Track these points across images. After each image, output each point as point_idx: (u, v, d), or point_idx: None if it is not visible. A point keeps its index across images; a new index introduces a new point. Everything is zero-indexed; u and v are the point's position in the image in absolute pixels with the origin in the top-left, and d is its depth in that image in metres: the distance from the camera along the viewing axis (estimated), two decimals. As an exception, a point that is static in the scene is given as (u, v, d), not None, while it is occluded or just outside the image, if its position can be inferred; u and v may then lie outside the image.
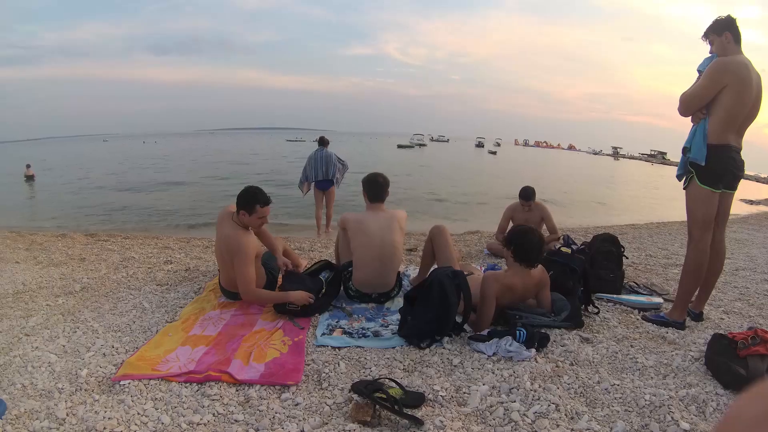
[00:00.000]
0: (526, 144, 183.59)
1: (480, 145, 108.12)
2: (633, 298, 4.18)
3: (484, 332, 3.09)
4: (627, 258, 4.96)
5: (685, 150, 3.25)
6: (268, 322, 3.43)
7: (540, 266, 3.43)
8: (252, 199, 3.56)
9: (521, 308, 3.44)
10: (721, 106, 3.05)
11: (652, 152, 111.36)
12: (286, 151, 53.98)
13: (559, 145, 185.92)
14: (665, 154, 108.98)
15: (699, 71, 3.24)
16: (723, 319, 3.88)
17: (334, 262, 4.55)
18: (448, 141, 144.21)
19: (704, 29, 3.25)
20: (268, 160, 37.16)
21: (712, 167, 3.13)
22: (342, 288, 3.93)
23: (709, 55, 3.23)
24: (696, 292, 3.65)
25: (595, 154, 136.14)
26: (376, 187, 3.88)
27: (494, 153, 73.54)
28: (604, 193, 25.57)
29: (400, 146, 76.60)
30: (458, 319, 3.20)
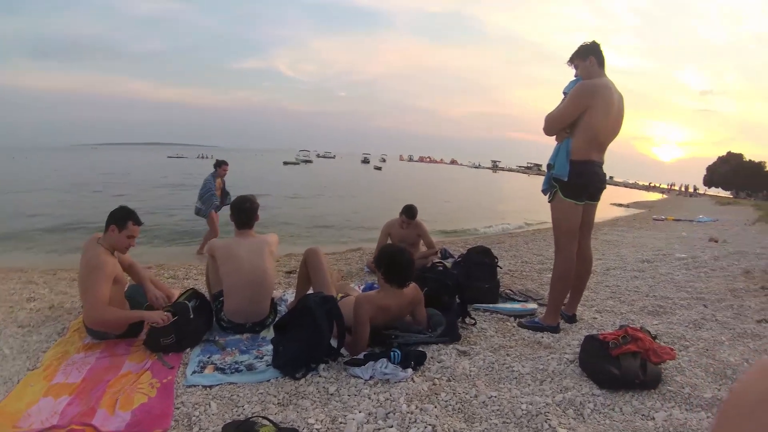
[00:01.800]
0: (411, 159, 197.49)
1: (366, 161, 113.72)
2: (509, 306, 4.46)
3: (360, 356, 3.14)
4: (501, 268, 5.29)
5: (549, 167, 3.68)
6: (135, 363, 3.30)
7: (413, 284, 3.57)
8: (126, 215, 3.62)
9: (398, 327, 3.56)
10: (585, 126, 3.48)
11: (529, 164, 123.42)
12: (166, 169, 50.75)
13: (442, 159, 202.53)
14: (540, 165, 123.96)
15: (564, 93, 3.66)
16: (596, 318, 4.27)
17: (205, 291, 4.38)
18: (334, 157, 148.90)
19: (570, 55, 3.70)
20: (140, 184, 34.51)
21: (575, 182, 3.55)
22: (215, 319, 3.89)
23: (574, 78, 3.70)
24: (568, 296, 4.04)
25: (476, 167, 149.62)
26: (243, 213, 3.95)
27: (379, 168, 76.87)
28: (483, 203, 27.21)
29: (285, 163, 78.52)
30: (334, 344, 3.21)
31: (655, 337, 3.44)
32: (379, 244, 6.03)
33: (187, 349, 3.47)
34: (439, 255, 5.91)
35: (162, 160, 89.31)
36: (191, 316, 3.58)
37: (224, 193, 8.57)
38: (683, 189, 76.24)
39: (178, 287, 5.05)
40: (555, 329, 3.76)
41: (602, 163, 3.69)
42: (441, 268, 4.46)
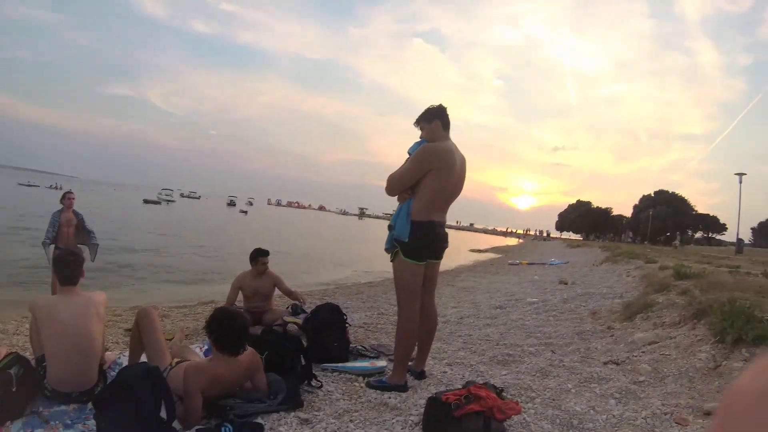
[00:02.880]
0: (278, 204, 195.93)
1: (232, 203, 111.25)
2: (358, 364, 4.42)
3: (193, 430, 3.02)
4: (350, 325, 5.24)
5: (390, 228, 3.81)
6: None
7: (250, 349, 3.49)
8: None
9: (237, 395, 3.48)
10: (426, 188, 3.66)
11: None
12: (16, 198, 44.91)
13: (310, 205, 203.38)
14: None
15: (409, 153, 3.85)
16: (446, 372, 4.27)
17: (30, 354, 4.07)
18: (199, 198, 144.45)
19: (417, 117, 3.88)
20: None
21: (415, 243, 3.70)
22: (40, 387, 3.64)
23: (419, 139, 3.87)
24: (415, 352, 4.12)
25: (343, 214, 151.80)
26: (67, 268, 3.71)
27: (245, 212, 74.76)
28: (345, 250, 27.26)
29: (146, 201, 74.09)
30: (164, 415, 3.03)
31: (501, 391, 3.46)
32: (229, 298, 5.81)
33: (8, 423, 3.22)
34: (289, 310, 5.85)
35: (11, 186, 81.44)
36: (14, 389, 3.32)
37: (82, 230, 7.33)
38: (538, 233, 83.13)
39: (5, 344, 4.71)
40: (402, 388, 3.75)
41: (444, 223, 3.89)
42: (280, 331, 4.42)
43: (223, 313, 3.46)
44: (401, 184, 3.76)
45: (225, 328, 3.30)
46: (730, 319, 4.11)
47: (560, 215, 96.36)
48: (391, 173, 3.83)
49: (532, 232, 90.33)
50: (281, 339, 4.13)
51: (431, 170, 3.65)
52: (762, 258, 18.94)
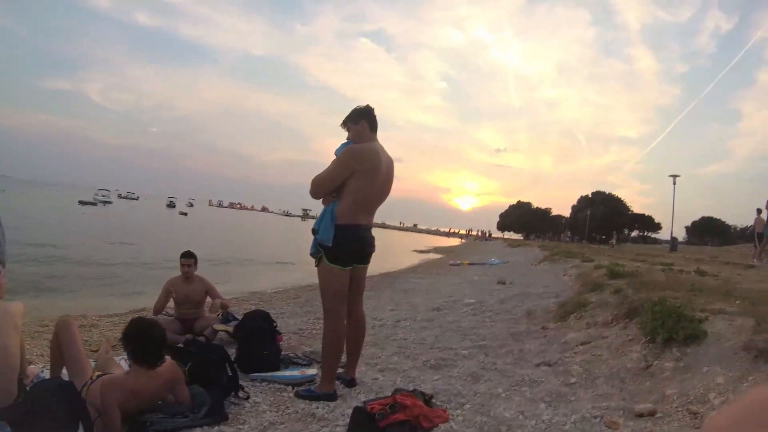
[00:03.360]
0: (220, 205, 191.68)
1: (171, 205, 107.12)
2: (287, 374, 4.31)
3: None
4: (281, 333, 5.17)
5: (314, 231, 3.75)
6: None
7: (169, 361, 3.42)
8: None
9: (159, 409, 3.36)
10: (351, 190, 3.62)
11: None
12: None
13: (252, 206, 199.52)
14: None
15: (336, 155, 3.78)
16: (377, 379, 4.19)
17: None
18: (137, 199, 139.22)
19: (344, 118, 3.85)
20: None
21: (340, 247, 3.64)
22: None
23: (346, 141, 3.81)
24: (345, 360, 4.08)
25: (286, 215, 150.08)
26: None
27: (185, 214, 72.66)
28: (289, 253, 26.79)
29: (82, 202, 71.08)
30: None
31: (430, 398, 3.42)
32: (158, 304, 5.59)
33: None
34: (219, 317, 5.69)
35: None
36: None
37: None
38: (480, 234, 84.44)
39: None
40: (332, 397, 3.70)
41: (370, 226, 3.86)
42: (203, 341, 4.42)
43: (138, 324, 3.37)
44: (326, 186, 3.71)
45: (140, 340, 3.20)
46: (660, 319, 4.15)
47: (502, 215, 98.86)
48: (315, 175, 3.76)
49: (474, 233, 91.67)
50: (204, 349, 4.03)
51: (356, 172, 3.60)
52: (695, 255, 19.73)
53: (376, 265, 19.21)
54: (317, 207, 3.90)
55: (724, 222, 79.04)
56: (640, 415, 3.20)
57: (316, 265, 3.79)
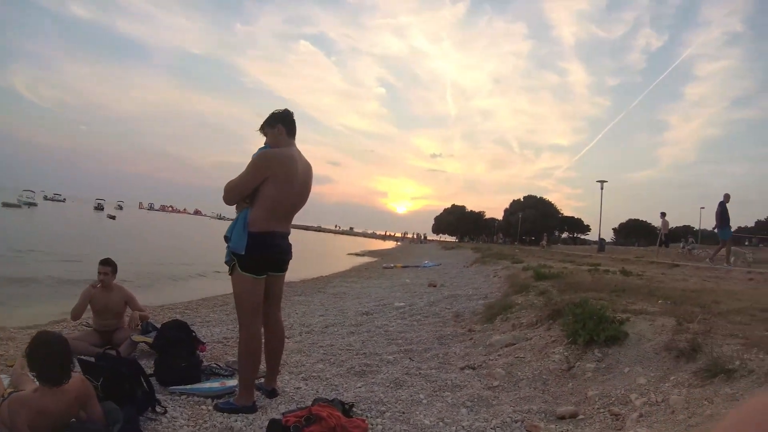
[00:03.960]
0: (151, 208, 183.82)
1: (100, 207, 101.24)
2: (207, 386, 4.16)
3: None
4: (204, 342, 5.06)
5: (227, 239, 3.63)
6: None
7: (78, 377, 3.25)
8: None
9: (72, 427, 3.18)
10: (265, 196, 3.51)
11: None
12: None
13: (185, 209, 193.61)
14: None
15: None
16: (300, 388, 4.06)
17: None
18: (64, 201, 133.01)
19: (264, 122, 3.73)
20: None
21: (253, 255, 3.52)
22: None
23: (264, 146, 3.70)
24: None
25: (220, 218, 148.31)
26: None
27: (113, 217, 69.47)
28: (218, 258, 26.13)
29: (5, 204, 67.65)
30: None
31: (351, 407, 3.36)
32: (74, 311, 5.27)
33: None
34: (139, 328, 5.40)
35: None
36: None
37: None
38: (415, 236, 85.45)
39: None
40: (251, 409, 3.58)
41: (287, 233, 3.75)
42: (115, 354, 4.05)
43: (39, 339, 3.17)
44: (238, 192, 3.60)
45: (42, 355, 3.03)
46: (581, 321, 4.21)
47: (436, 218, 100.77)
48: (228, 180, 3.63)
49: (410, 235, 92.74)
50: (117, 364, 3.82)
51: (269, 178, 3.50)
52: (621, 255, 20.53)
53: (309, 270, 19.07)
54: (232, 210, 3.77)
55: (649, 223, 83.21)
56: (562, 418, 3.21)
57: (230, 274, 3.66)
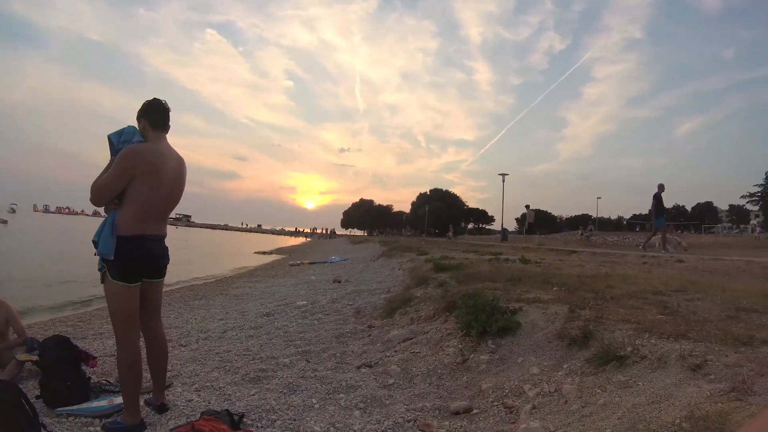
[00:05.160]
0: (47, 210, 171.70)
1: None
2: (94, 405, 3.90)
3: None
4: (95, 357, 4.70)
5: (95, 243, 3.36)
6: None
7: None
8: None
9: None
10: (133, 197, 3.28)
11: (178, 216, 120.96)
12: None
13: (83, 211, 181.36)
14: (190, 217, 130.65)
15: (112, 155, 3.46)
16: (192, 400, 3.85)
17: None
18: None
19: None
20: None
21: (123, 261, 3.28)
22: None
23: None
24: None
25: None
26: None
27: (5, 222, 63.52)
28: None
29: None
30: None
31: (241, 418, 3.26)
32: None
33: None
34: (26, 345, 4.97)
35: None
36: None
37: None
38: (324, 231, 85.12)
39: None
40: (139, 428, 3.38)
41: (162, 235, 3.52)
42: None
43: None
44: (106, 192, 3.31)
45: None
46: (474, 313, 4.26)
47: (345, 213, 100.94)
48: (94, 180, 3.34)
49: (319, 231, 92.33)
50: None
51: (136, 176, 3.25)
52: (522, 244, 21.36)
53: (212, 271, 18.41)
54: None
55: (550, 213, 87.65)
56: (456, 413, 3.20)
57: (101, 282, 3.40)
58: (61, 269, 18.57)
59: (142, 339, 3.51)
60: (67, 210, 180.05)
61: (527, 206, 23.57)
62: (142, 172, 3.28)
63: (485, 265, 8.73)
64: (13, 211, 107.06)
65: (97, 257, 3.34)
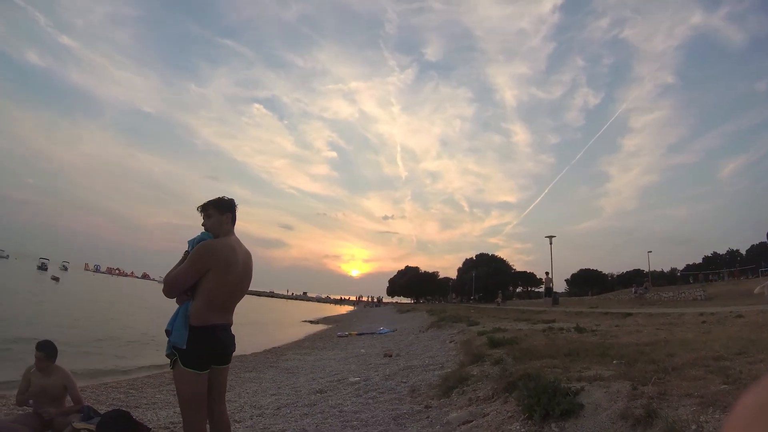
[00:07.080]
0: (97, 270, 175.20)
1: (43, 267, 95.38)
2: None
3: None
4: (150, 429, 4.71)
5: (168, 332, 3.48)
6: None
7: None
8: None
9: None
10: (205, 289, 3.42)
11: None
12: None
13: (132, 272, 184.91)
14: None
15: (189, 245, 3.59)
16: None
17: None
18: (8, 257, 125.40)
19: (204, 202, 3.69)
20: None
21: (195, 350, 3.40)
22: None
23: (202, 232, 3.63)
24: None
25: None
26: None
27: (57, 279, 65.67)
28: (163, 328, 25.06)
29: None
30: None
31: None
32: (20, 390, 5.08)
33: None
34: (81, 413, 5.03)
35: None
36: None
37: None
38: (370, 299, 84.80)
39: None
40: None
41: (228, 324, 3.63)
42: None
43: None
44: (179, 285, 3.47)
45: None
46: (536, 396, 4.15)
47: (391, 281, 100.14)
48: (167, 272, 3.51)
49: (365, 298, 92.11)
50: None
51: (210, 270, 3.41)
52: (576, 308, 20.82)
53: (261, 340, 18.49)
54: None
55: (600, 271, 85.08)
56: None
57: (171, 368, 3.51)
58: (107, 327, 18.98)
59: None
60: (117, 271, 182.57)
61: (547, 273, 27.69)
62: (215, 267, 3.41)
63: (539, 336, 8.54)
64: (65, 269, 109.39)
65: (166, 341, 3.46)
